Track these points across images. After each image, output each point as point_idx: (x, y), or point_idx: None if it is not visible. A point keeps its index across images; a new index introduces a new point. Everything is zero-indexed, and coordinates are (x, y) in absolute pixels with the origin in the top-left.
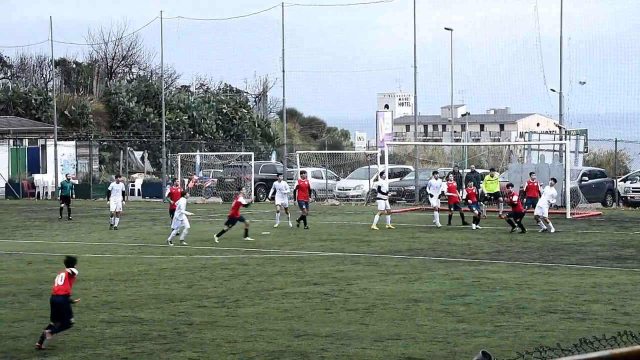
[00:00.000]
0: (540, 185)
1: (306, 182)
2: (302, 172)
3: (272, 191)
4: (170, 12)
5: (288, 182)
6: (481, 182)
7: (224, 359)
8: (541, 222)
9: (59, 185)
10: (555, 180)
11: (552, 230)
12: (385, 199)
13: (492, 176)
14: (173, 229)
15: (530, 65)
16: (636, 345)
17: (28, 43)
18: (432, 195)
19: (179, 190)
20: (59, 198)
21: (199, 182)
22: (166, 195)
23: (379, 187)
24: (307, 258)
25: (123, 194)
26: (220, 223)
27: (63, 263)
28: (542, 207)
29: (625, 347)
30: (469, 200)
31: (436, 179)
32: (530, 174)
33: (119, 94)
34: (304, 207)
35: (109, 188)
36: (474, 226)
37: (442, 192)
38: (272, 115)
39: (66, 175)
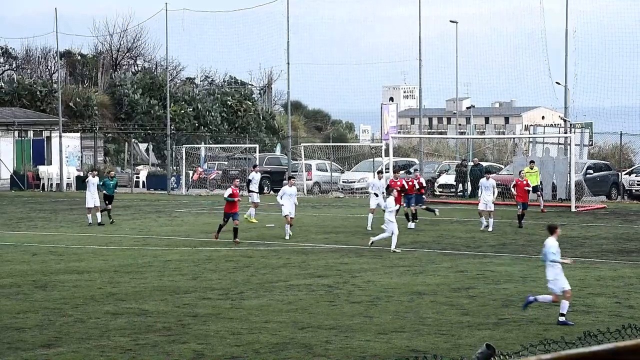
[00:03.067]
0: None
1: (399, 182)
2: (395, 172)
3: (279, 196)
4: (175, 4)
5: (293, 172)
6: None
7: (228, 350)
8: (484, 217)
9: (99, 183)
10: (489, 172)
11: (490, 228)
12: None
13: (531, 168)
14: (386, 230)
15: (535, 58)
16: None
17: (33, 35)
18: (377, 195)
19: (238, 191)
20: (103, 199)
21: (203, 174)
22: (227, 195)
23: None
24: (311, 250)
25: (99, 188)
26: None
27: None
28: (487, 202)
29: (630, 340)
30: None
31: (379, 178)
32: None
33: (123, 86)
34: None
35: (86, 181)
36: (410, 224)
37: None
38: (277, 107)
39: (109, 172)
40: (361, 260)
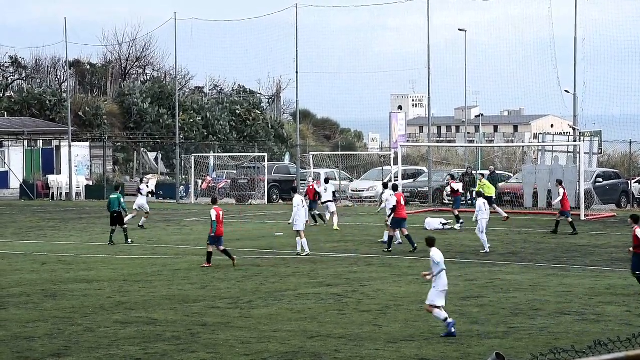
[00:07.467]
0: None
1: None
2: (558, 180)
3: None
4: (184, 13)
5: (302, 181)
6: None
7: (238, 359)
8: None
9: (115, 198)
10: (394, 188)
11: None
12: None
13: (480, 181)
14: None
15: (544, 66)
16: None
17: (43, 44)
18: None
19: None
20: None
21: (212, 183)
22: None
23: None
24: (320, 259)
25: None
26: (234, 224)
27: None
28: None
29: None
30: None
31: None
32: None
33: (132, 95)
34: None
35: (139, 190)
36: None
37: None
38: (286, 116)
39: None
40: (370, 269)
